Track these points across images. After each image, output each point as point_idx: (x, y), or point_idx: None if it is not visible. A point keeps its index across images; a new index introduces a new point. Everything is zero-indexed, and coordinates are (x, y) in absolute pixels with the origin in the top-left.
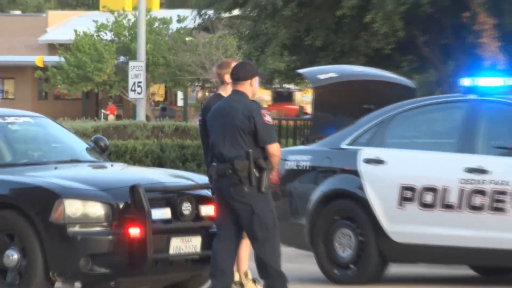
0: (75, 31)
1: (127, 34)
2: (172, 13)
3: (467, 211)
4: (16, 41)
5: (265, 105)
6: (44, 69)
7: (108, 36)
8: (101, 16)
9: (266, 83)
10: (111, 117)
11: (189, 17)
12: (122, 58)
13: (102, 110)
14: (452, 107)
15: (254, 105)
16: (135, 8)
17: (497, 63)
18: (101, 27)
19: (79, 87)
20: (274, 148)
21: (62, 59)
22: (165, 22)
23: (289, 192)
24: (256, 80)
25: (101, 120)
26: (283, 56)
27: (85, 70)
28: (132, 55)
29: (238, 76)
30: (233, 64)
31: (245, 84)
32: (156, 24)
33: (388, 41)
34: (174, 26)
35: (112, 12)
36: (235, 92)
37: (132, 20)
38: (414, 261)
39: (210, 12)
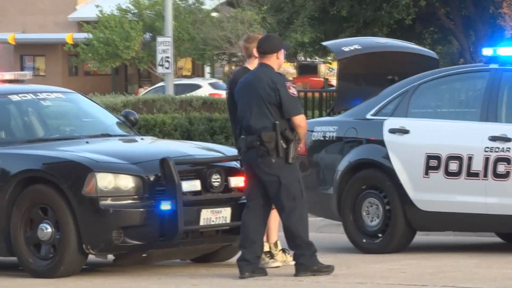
0: (100, 11)
1: (148, 12)
2: None
3: (492, 179)
4: (46, 20)
5: (290, 78)
6: (75, 46)
7: (131, 16)
8: None
9: (291, 56)
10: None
11: None
12: (147, 35)
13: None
14: (474, 76)
15: (279, 77)
16: None
17: None
18: (123, 11)
19: (107, 64)
20: (300, 120)
21: (91, 36)
22: None
23: (317, 162)
24: (281, 53)
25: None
26: (309, 29)
27: (114, 47)
28: (158, 32)
29: (264, 49)
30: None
31: (271, 57)
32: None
33: (409, 12)
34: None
35: None
36: (261, 65)
37: None
38: (440, 229)
39: None
